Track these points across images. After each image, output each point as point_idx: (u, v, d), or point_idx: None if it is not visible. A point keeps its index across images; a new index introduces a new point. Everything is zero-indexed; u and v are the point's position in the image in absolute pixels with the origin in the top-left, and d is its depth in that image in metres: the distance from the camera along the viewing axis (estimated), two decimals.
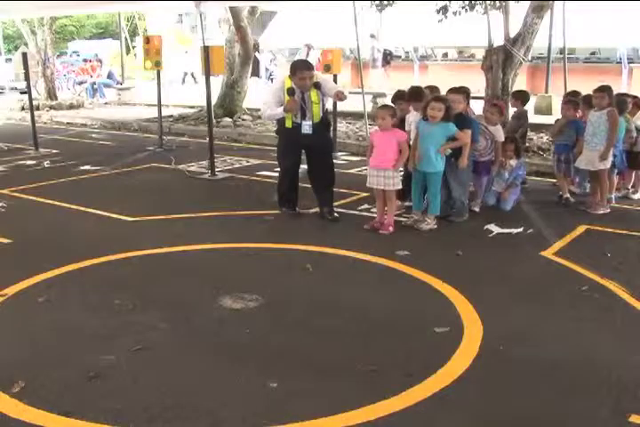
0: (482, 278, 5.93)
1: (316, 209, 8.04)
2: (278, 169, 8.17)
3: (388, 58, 27.83)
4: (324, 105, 7.69)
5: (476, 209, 8.18)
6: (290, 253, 6.61)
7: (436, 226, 7.45)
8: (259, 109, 16.75)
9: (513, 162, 8.28)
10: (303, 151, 7.85)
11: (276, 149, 8.22)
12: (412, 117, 7.80)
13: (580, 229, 7.47)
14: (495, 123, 8.27)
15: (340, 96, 7.38)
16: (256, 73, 28.87)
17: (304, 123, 7.55)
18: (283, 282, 5.81)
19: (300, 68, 7.42)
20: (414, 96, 7.96)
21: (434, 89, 8.35)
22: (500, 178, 8.27)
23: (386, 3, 15.49)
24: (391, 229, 7.32)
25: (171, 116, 17.39)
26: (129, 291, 5.57)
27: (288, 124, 7.60)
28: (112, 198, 8.85)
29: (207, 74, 10.03)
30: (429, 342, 4.66)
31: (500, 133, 8.26)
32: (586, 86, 8.67)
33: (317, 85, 7.47)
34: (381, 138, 7.29)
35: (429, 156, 7.29)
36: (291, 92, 7.39)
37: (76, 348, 4.55)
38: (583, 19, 21.47)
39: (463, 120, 7.53)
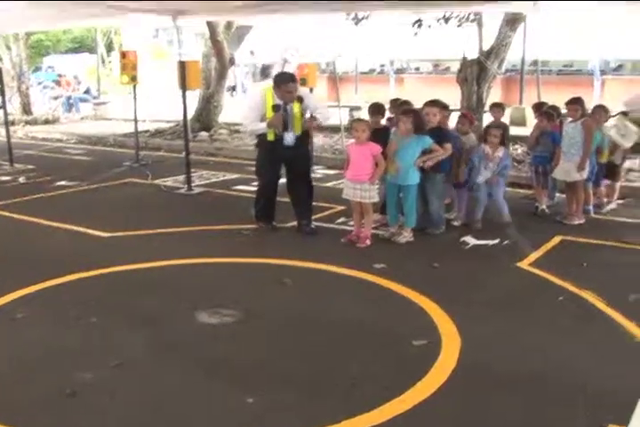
0: (459, 290, 5.94)
1: (293, 223, 8.02)
2: (256, 183, 8.16)
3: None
4: (304, 118, 7.71)
5: (456, 223, 8.19)
6: (267, 268, 6.59)
7: (412, 239, 7.46)
8: (236, 124, 16.87)
9: (500, 153, 7.98)
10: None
11: (254, 162, 8.20)
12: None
13: (556, 239, 7.52)
14: (466, 132, 8.39)
15: (308, 124, 7.55)
16: (232, 87, 28.91)
17: (286, 134, 7.56)
18: (260, 296, 5.79)
19: (285, 81, 7.43)
20: (374, 111, 8.12)
21: (405, 103, 8.42)
22: (487, 169, 8.05)
23: (361, 16, 15.56)
24: (368, 242, 7.32)
25: (147, 130, 17.34)
26: (105, 307, 5.52)
27: (270, 137, 7.59)
28: (88, 214, 8.79)
29: (183, 88, 10.02)
30: (407, 355, 4.65)
31: (471, 141, 8.36)
32: (559, 98, 8.76)
33: (300, 99, 7.50)
34: (357, 151, 7.31)
35: (405, 169, 7.32)
36: (276, 108, 7.41)
37: (52, 365, 4.50)
38: (556, 31, 21.70)
39: (442, 134, 7.59)
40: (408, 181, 7.38)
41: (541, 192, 8.78)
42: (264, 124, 7.51)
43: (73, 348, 4.76)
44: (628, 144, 7.47)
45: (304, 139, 7.78)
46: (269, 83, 7.70)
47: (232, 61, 17.31)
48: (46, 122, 20.92)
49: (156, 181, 11.12)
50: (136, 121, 13.19)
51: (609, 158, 8.76)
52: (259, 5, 10.65)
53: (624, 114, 7.50)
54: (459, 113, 8.93)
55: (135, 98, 12.84)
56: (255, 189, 8.41)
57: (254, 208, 8.10)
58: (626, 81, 24.48)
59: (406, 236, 7.46)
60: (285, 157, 7.68)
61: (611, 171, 8.93)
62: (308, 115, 7.69)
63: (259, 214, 8.04)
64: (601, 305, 5.54)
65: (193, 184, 10.52)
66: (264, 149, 7.81)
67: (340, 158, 11.52)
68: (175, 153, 14.23)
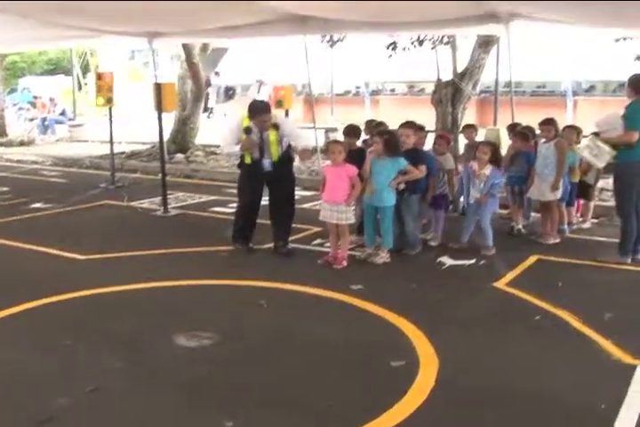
0: (436, 311, 5.95)
1: (270, 244, 8.02)
2: (233, 205, 8.17)
3: (229, 92, 28.02)
4: (282, 145, 7.72)
5: (433, 243, 8.22)
6: (244, 290, 6.56)
7: (389, 259, 7.48)
8: (212, 146, 16.85)
9: (487, 170, 7.81)
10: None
11: (230, 184, 8.23)
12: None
13: (532, 259, 7.56)
14: (443, 152, 8.46)
15: (301, 157, 7.70)
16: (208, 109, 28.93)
17: (264, 160, 7.61)
18: (237, 318, 5.76)
19: (259, 113, 7.46)
20: (350, 133, 8.16)
21: (380, 124, 8.47)
22: (474, 188, 7.96)
23: (336, 39, 15.67)
24: (345, 263, 7.32)
25: (123, 152, 17.28)
26: (81, 331, 5.47)
27: (247, 160, 7.69)
28: (64, 236, 8.73)
29: (159, 110, 10.02)
30: (386, 375, 4.65)
31: (449, 162, 8.46)
32: (533, 119, 8.86)
33: (276, 126, 7.52)
34: (333, 173, 7.34)
35: (380, 190, 7.36)
36: (247, 131, 7.46)
37: (26, 389, 4.44)
38: (529, 53, 21.96)
39: (417, 155, 7.64)
40: (384, 203, 7.41)
41: (517, 212, 8.84)
42: (237, 148, 7.58)
43: (48, 372, 4.71)
44: (600, 164, 7.53)
45: (285, 163, 7.80)
46: (232, 104, 7.79)
47: (208, 83, 17.35)
48: (21, 144, 20.80)
49: (133, 203, 11.07)
50: (112, 143, 13.16)
51: (582, 178, 8.84)
52: (235, 29, 10.74)
53: (596, 134, 7.58)
54: (434, 134, 9.02)
55: (111, 120, 12.82)
56: (233, 210, 8.40)
57: (233, 229, 8.09)
58: (597, 102, 24.80)
59: (383, 256, 7.48)
60: (265, 180, 7.72)
61: (584, 190, 9.02)
62: (285, 142, 7.72)
63: (236, 235, 8.02)
64: (577, 324, 5.57)
65: (169, 206, 10.49)
66: (244, 171, 7.86)
67: (317, 180, 11.54)
68: (151, 175, 14.19)
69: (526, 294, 6.33)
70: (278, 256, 7.75)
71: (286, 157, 7.82)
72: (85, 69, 39.18)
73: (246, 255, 7.83)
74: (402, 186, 7.50)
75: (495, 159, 7.88)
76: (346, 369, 4.76)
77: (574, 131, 8.85)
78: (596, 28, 9.34)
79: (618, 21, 8.39)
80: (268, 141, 7.57)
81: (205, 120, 20.90)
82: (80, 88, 35.99)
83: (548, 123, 8.32)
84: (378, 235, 7.66)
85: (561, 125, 8.66)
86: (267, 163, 7.61)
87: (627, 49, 15.57)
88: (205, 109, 29.84)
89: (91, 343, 5.20)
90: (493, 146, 8.06)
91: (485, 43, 12.39)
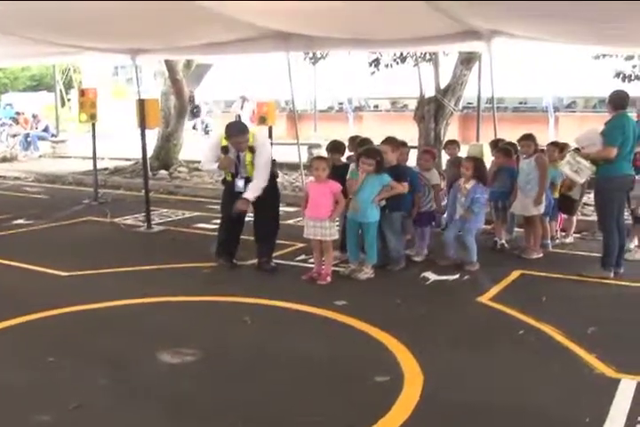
0: (420, 326, 5.96)
1: (254, 261, 8.01)
2: (217, 221, 8.17)
3: (194, 110, 28.08)
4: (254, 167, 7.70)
5: (417, 259, 8.23)
6: (227, 306, 6.55)
7: (373, 275, 7.48)
8: (195, 161, 16.83)
9: (469, 184, 7.82)
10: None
11: (213, 200, 8.23)
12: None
13: (515, 274, 7.59)
14: (428, 168, 8.44)
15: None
16: (192, 125, 28.95)
17: (237, 180, 7.63)
18: (221, 335, 5.74)
19: (234, 135, 7.45)
20: (333, 149, 8.17)
21: (364, 141, 8.43)
22: (458, 203, 7.93)
23: (319, 56, 15.76)
24: (329, 279, 7.32)
25: (106, 168, 17.23)
26: (64, 348, 5.43)
27: (227, 177, 7.75)
28: (46, 253, 8.68)
29: (142, 127, 10.00)
30: (370, 391, 4.64)
31: (435, 177, 8.41)
32: (515, 134, 8.89)
33: (252, 150, 7.52)
34: (316, 189, 7.34)
35: (364, 206, 7.37)
36: (224, 150, 7.52)
37: (9, 406, 4.39)
38: (511, 69, 22.13)
39: (399, 172, 7.66)
40: (368, 219, 7.43)
41: (500, 227, 8.88)
42: (215, 166, 7.67)
43: (31, 389, 4.66)
44: (581, 180, 7.60)
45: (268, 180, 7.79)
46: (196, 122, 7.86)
47: (191, 100, 17.35)
48: (4, 160, 20.70)
49: (116, 220, 11.03)
50: (95, 159, 13.13)
51: (567, 193, 8.87)
52: (218, 46, 10.78)
53: (577, 150, 7.65)
54: (417, 150, 9.04)
55: (94, 136, 12.79)
56: (217, 226, 8.39)
57: (216, 244, 8.08)
58: (578, 117, 25.06)
59: (367, 272, 7.48)
60: None
61: (568, 205, 9.07)
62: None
63: (219, 251, 8.01)
64: (560, 338, 5.59)
65: (152, 222, 10.46)
66: (226, 187, 7.88)
67: (300, 196, 11.54)
68: (134, 191, 14.16)
69: (510, 308, 6.34)
70: (262, 272, 7.73)
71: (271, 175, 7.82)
72: (69, 86, 39.16)
73: (230, 271, 7.80)
74: (382, 202, 7.53)
75: (479, 175, 7.87)
76: (330, 385, 4.74)
77: (555, 147, 8.91)
78: (575, 45, 9.45)
79: (595, 39, 8.51)
80: (244, 162, 7.59)
81: (192, 136, 20.86)
82: (63, 104, 35.92)
83: (527, 138, 8.40)
84: (361, 251, 7.67)
85: (543, 141, 8.72)
86: (239, 182, 7.60)
87: (606, 66, 15.72)
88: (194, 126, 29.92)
89: (75, 360, 5.16)
90: (476, 161, 8.05)
91: (467, 59, 12.48)
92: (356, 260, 7.63)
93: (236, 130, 7.55)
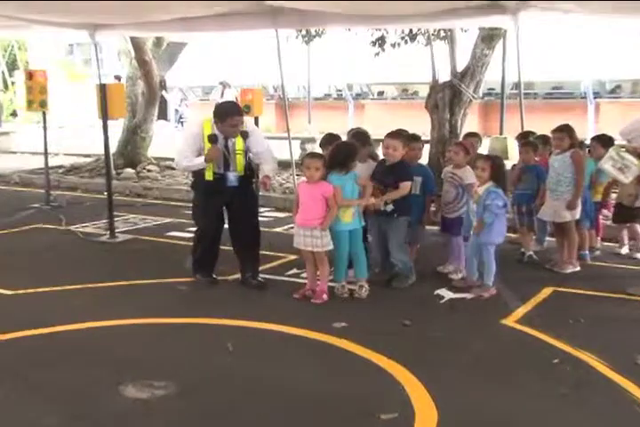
0: (434, 353, 5.95)
1: (237, 275, 8.00)
2: (194, 228, 8.13)
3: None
4: (247, 155, 7.73)
5: (455, 277, 8.11)
6: (206, 330, 6.54)
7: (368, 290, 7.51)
8: (167, 159, 16.81)
9: (482, 189, 7.52)
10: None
11: (188, 204, 8.19)
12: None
13: (546, 291, 7.60)
14: (461, 164, 8.17)
15: (265, 184, 7.61)
16: (164, 115, 28.94)
17: (229, 173, 7.56)
18: (198, 364, 5.72)
19: (231, 114, 7.41)
20: (328, 143, 8.11)
21: (359, 134, 8.41)
22: (472, 214, 7.73)
23: (314, 33, 15.77)
24: (325, 297, 7.32)
25: (60, 166, 17.21)
26: (10, 380, 5.41)
27: (209, 175, 7.57)
28: None
29: (104, 117, 9.98)
30: None
31: (469, 175, 7.99)
32: (547, 126, 8.88)
33: (245, 135, 7.52)
34: (307, 191, 7.32)
35: (355, 211, 7.40)
36: (213, 138, 7.42)
37: None
38: (542, 49, 22.10)
39: (401, 170, 7.66)
40: (360, 224, 7.50)
41: (527, 236, 8.87)
42: (201, 160, 7.49)
43: None
44: (627, 179, 7.55)
45: (247, 180, 7.80)
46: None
47: (162, 85, 17.34)
48: None
49: (72, 227, 11.00)
50: (47, 155, 13.10)
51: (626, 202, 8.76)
52: (194, 21, 10.75)
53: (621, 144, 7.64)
54: (429, 145, 8.99)
55: (45, 127, 12.76)
56: (192, 235, 8.37)
57: (191, 258, 8.06)
58: (623, 105, 24.92)
59: (367, 288, 7.50)
60: (227, 199, 7.68)
61: (627, 214, 8.82)
62: (251, 154, 7.73)
63: (196, 265, 7.99)
64: (603, 368, 5.58)
65: (117, 230, 10.45)
66: (201, 191, 7.79)
67: (292, 199, 11.54)
68: (95, 193, 14.15)
69: (541, 332, 6.34)
70: (247, 289, 7.72)
71: (250, 172, 7.84)
72: (12, 66, 38.81)
73: (209, 289, 7.79)
74: (390, 207, 7.53)
75: (497, 177, 7.55)
76: (328, 423, 4.73)
77: (598, 142, 8.84)
78: (621, 18, 9.40)
79: None
80: (234, 151, 7.56)
81: (160, 129, 20.80)
82: (6, 89, 35.76)
83: (561, 130, 8.33)
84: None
85: (581, 134, 8.67)
86: (232, 176, 7.58)
87: None
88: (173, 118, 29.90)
89: (21, 395, 5.13)
90: (494, 160, 7.72)
91: (489, 37, 12.50)
92: (345, 277, 7.63)
93: (235, 109, 7.54)
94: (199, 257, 7.98)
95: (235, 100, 20.85)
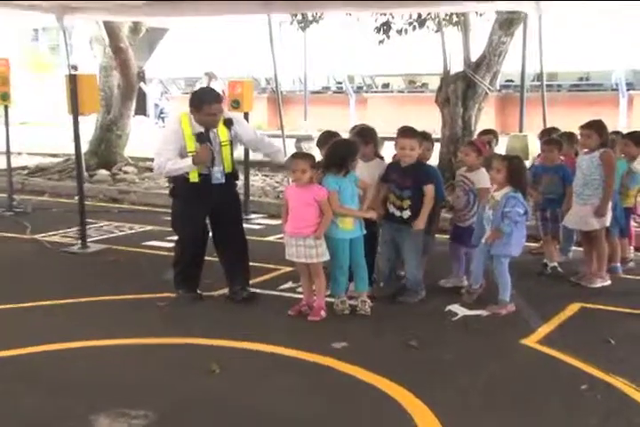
0: (445, 377, 5.93)
1: (225, 290, 8.01)
2: (175, 238, 8.12)
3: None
4: (233, 147, 7.73)
5: (447, 285, 8.26)
6: (190, 351, 6.52)
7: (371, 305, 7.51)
8: (146, 159, 16.80)
9: (499, 193, 7.47)
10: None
11: (169, 210, 8.17)
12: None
13: (573, 307, 7.59)
14: (474, 167, 8.14)
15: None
16: (142, 110, 28.97)
17: (214, 170, 7.54)
18: (180, 390, 5.70)
19: (208, 101, 7.38)
20: (325, 142, 8.08)
21: (364, 131, 8.40)
22: (485, 220, 7.65)
23: (311, 18, 15.79)
24: (323, 313, 7.31)
25: (24, 167, 17.22)
26: None
27: (193, 177, 7.52)
28: None
29: (75, 112, 9.97)
30: None
31: (482, 179, 7.99)
32: (572, 122, 8.88)
33: (228, 123, 7.52)
34: (296, 196, 7.31)
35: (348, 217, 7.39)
36: (202, 137, 7.40)
37: None
38: (567, 35, 22.09)
39: (422, 171, 7.67)
40: (362, 232, 7.48)
41: (551, 245, 8.86)
42: (188, 162, 7.40)
43: None
44: None
45: (233, 180, 7.83)
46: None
47: (141, 76, 17.33)
48: None
49: (38, 236, 11.00)
50: (9, 154, 13.10)
51: None
52: (175, 4, 10.74)
53: None
54: (439, 143, 8.98)
55: (7, 123, 12.76)
56: (173, 244, 8.35)
57: (173, 271, 8.05)
58: None
59: (370, 303, 7.49)
60: (213, 203, 7.67)
61: None
62: (237, 147, 7.73)
63: (178, 279, 7.98)
64: (636, 395, 5.56)
65: (89, 240, 10.45)
66: (184, 196, 7.75)
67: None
68: (64, 198, 14.19)
69: (566, 354, 6.31)
70: (236, 304, 7.72)
71: (234, 170, 7.85)
72: None
73: (192, 305, 7.77)
74: (407, 213, 7.57)
75: (516, 180, 7.46)
76: None
77: (631, 141, 8.83)
78: None
79: None
80: (219, 143, 7.55)
81: (137, 125, 20.82)
82: None
83: (591, 127, 8.29)
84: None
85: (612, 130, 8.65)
86: (219, 173, 7.56)
87: None
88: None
89: None
90: (512, 161, 7.64)
91: (508, 22, 12.50)
92: (345, 291, 7.62)
93: (212, 96, 7.50)
94: (182, 270, 7.96)
95: (222, 92, 20.91)
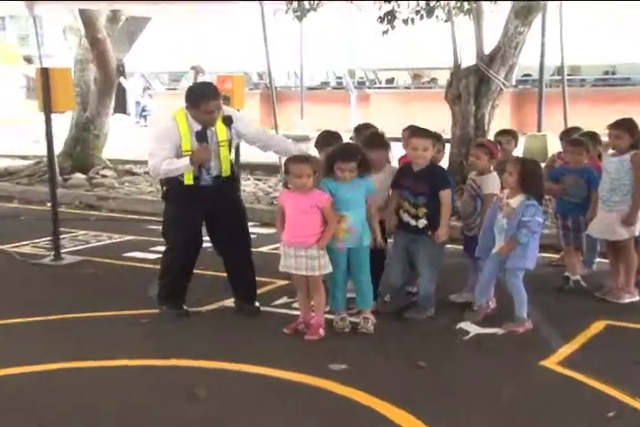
0: (456, 402, 5.93)
1: (214, 306, 8.05)
2: (159, 248, 8.13)
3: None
4: (231, 148, 7.77)
5: (459, 300, 8.24)
6: (174, 373, 6.51)
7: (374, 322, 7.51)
8: (127, 161, 16.82)
9: (515, 200, 7.40)
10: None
11: (154, 218, 8.17)
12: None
13: (598, 325, 7.57)
14: (485, 170, 8.12)
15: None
16: (122, 108, 28.99)
17: (204, 172, 7.56)
18: (163, 416, 5.70)
19: (206, 97, 7.39)
20: (325, 144, 8.17)
21: (365, 128, 8.41)
22: (497, 228, 7.56)
23: (307, 6, 15.78)
24: (321, 332, 7.31)
25: None
26: None
27: (188, 179, 7.54)
28: None
29: (47, 110, 9.95)
30: None
31: (491, 183, 7.98)
32: (597, 120, 8.86)
33: (228, 121, 7.53)
34: (296, 202, 7.28)
35: (358, 224, 7.39)
36: (201, 136, 7.43)
37: None
38: (590, 25, 22.07)
39: (436, 175, 7.66)
40: (364, 242, 7.46)
41: (574, 256, 8.84)
42: (186, 161, 7.40)
43: None
44: None
45: (233, 181, 7.88)
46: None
47: (120, 70, 17.31)
48: None
49: (7, 247, 10.99)
50: None
51: None
52: None
53: None
54: (449, 144, 8.96)
55: None
56: (159, 255, 8.35)
57: (158, 284, 8.05)
58: None
59: (374, 321, 7.49)
60: (209, 207, 7.69)
61: None
62: (237, 142, 7.75)
63: (164, 293, 7.97)
64: None
65: (63, 250, 10.45)
66: (178, 199, 7.77)
67: None
68: (35, 204, 14.19)
69: (591, 377, 6.29)
70: (225, 322, 7.75)
71: (235, 171, 7.87)
72: None
73: (178, 322, 7.77)
74: (422, 222, 7.55)
75: (530, 185, 7.42)
76: None
77: None
78: None
79: None
80: (216, 142, 7.55)
81: (117, 123, 20.81)
82: None
83: (620, 126, 8.25)
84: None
85: None
86: (205, 174, 7.57)
87: None
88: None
89: None
90: (526, 164, 7.59)
91: (525, 11, 12.52)
92: (344, 306, 7.63)
93: (210, 92, 7.51)
94: (168, 282, 7.96)
95: None
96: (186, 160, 7.38)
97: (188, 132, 7.46)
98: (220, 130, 7.54)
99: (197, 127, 7.47)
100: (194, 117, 7.47)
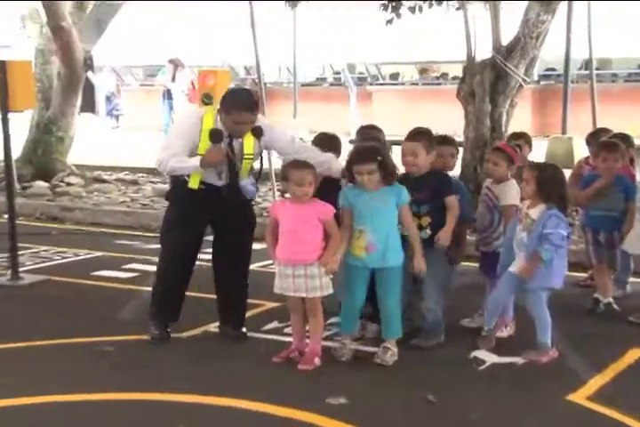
0: None
1: (194, 331, 8.06)
2: (131, 266, 8.13)
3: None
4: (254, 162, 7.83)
5: (472, 325, 8.25)
6: (151, 408, 6.50)
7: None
8: (95, 167, 16.77)
9: (535, 211, 7.42)
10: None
11: (126, 231, 8.17)
12: None
13: (632, 354, 7.57)
14: (503, 177, 8.12)
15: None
16: (90, 106, 28.99)
17: (243, 183, 7.63)
18: None
19: (237, 107, 7.42)
20: (321, 147, 8.14)
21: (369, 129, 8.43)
22: (516, 243, 7.55)
23: None
24: (317, 361, 7.29)
25: None
26: None
27: (193, 182, 7.59)
28: None
29: (4, 108, 9.95)
30: None
31: (509, 193, 7.99)
32: (629, 120, 8.86)
33: (258, 132, 7.52)
34: (294, 214, 7.27)
35: (383, 243, 7.32)
36: (216, 136, 7.42)
37: None
38: (622, 14, 22.13)
39: (439, 180, 7.70)
40: (389, 262, 7.38)
41: (605, 276, 8.83)
42: (196, 162, 7.43)
43: None
44: None
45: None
46: None
47: (88, 63, 17.29)
48: None
49: None
50: None
51: None
52: None
53: None
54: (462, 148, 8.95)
55: None
56: (130, 274, 8.34)
57: (151, 299, 8.08)
58: None
59: (394, 352, 7.43)
60: (216, 215, 7.76)
61: None
62: (265, 156, 7.76)
63: (155, 309, 7.99)
64: None
65: (22, 269, 10.43)
66: (180, 201, 7.85)
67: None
68: None
69: (625, 414, 6.26)
70: (209, 350, 7.75)
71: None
72: None
73: (154, 350, 7.77)
74: (427, 232, 7.54)
75: (552, 194, 7.41)
76: None
77: None
78: None
79: None
80: (241, 154, 7.59)
81: (85, 123, 20.85)
82: None
83: None
84: (368, 319, 7.79)
85: None
86: (249, 185, 7.68)
87: None
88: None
89: None
90: (545, 170, 7.60)
91: None
92: (353, 332, 7.64)
93: (245, 102, 7.51)
94: (162, 294, 8.00)
95: (191, 84, 20.94)
96: (196, 161, 7.41)
97: (208, 130, 7.51)
98: (248, 142, 7.58)
99: (225, 129, 7.51)
100: (222, 122, 7.51)
